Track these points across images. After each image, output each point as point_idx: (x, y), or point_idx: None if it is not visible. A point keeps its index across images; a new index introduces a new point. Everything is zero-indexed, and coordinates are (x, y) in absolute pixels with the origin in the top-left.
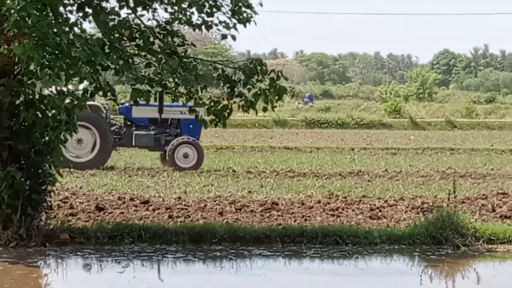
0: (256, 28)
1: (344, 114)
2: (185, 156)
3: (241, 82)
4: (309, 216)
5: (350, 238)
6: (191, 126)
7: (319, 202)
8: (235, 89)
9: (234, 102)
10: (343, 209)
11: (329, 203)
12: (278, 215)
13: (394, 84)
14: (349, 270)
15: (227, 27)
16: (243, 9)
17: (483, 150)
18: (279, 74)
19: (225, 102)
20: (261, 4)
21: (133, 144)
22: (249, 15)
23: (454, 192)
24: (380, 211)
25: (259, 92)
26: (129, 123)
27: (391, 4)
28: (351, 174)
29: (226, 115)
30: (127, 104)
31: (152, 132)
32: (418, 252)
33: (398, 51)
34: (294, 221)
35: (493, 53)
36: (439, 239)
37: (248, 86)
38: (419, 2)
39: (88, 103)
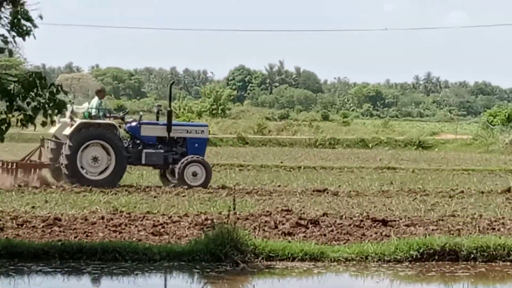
0: (52, 41)
1: None
2: (194, 174)
3: (20, 95)
4: (91, 232)
5: (130, 254)
6: (196, 144)
7: (102, 218)
8: (14, 102)
9: (13, 116)
10: (126, 225)
11: (112, 219)
12: (60, 231)
13: (188, 99)
14: (128, 286)
15: (5, 40)
16: (23, 22)
17: (272, 166)
18: (59, 88)
19: (3, 116)
20: (41, 17)
21: (143, 162)
22: (29, 28)
23: (234, 208)
24: (163, 227)
25: (38, 106)
26: (137, 141)
27: (187, 19)
28: (138, 190)
29: (4, 129)
30: (135, 123)
31: (162, 151)
32: (197, 269)
33: (194, 67)
34: (75, 237)
35: (288, 70)
36: (219, 255)
37: (27, 100)
38: (215, 18)
39: (104, 121)
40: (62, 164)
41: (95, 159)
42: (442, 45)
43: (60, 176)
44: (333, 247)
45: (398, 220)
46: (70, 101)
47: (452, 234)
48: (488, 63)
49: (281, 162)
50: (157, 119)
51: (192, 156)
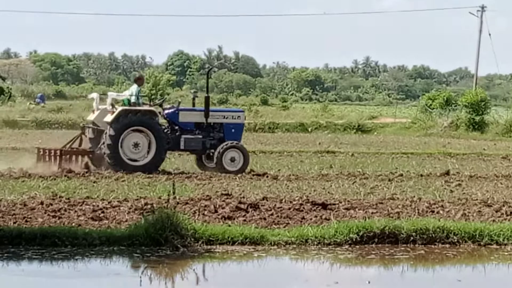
0: None
1: (75, 115)
2: (232, 160)
3: None
4: (30, 218)
5: (69, 239)
6: (233, 130)
7: (41, 203)
8: None
9: None
10: (65, 210)
11: (51, 204)
12: None
13: (127, 84)
14: (67, 271)
15: None
16: None
17: None
18: None
19: None
20: None
21: (182, 147)
22: None
23: (174, 193)
24: (102, 212)
25: None
26: (175, 127)
27: (125, 4)
28: (77, 175)
29: None
30: (173, 109)
31: (200, 136)
32: (138, 254)
33: (133, 52)
34: (15, 222)
35: (227, 54)
36: (159, 240)
37: None
38: (153, 3)
39: (144, 108)
40: (104, 151)
41: (136, 145)
42: (381, 29)
43: (101, 162)
44: (273, 231)
45: (337, 204)
46: (7, 87)
47: (392, 217)
48: (426, 47)
49: None
50: (193, 105)
51: (230, 142)
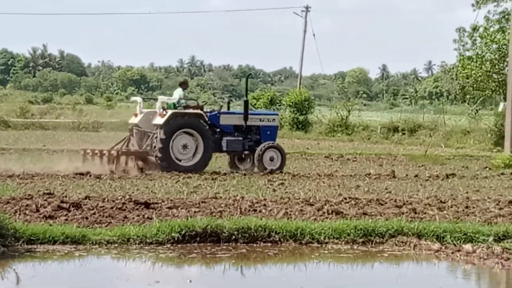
0: None
1: None
2: (271, 159)
3: None
4: None
5: None
6: (268, 132)
7: None
8: None
9: None
10: None
11: None
12: None
13: None
14: None
15: None
16: None
17: (35, 150)
18: None
19: None
20: None
21: (224, 149)
22: None
23: None
24: None
25: None
26: (217, 129)
27: None
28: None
29: None
30: (215, 112)
31: (240, 138)
32: None
33: None
34: None
35: (52, 53)
36: None
37: None
38: None
39: (192, 111)
40: (154, 151)
41: (184, 146)
42: (207, 29)
43: (148, 163)
44: (95, 230)
45: (160, 203)
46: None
47: (214, 216)
48: (252, 47)
49: (44, 145)
50: (228, 109)
51: (268, 142)
